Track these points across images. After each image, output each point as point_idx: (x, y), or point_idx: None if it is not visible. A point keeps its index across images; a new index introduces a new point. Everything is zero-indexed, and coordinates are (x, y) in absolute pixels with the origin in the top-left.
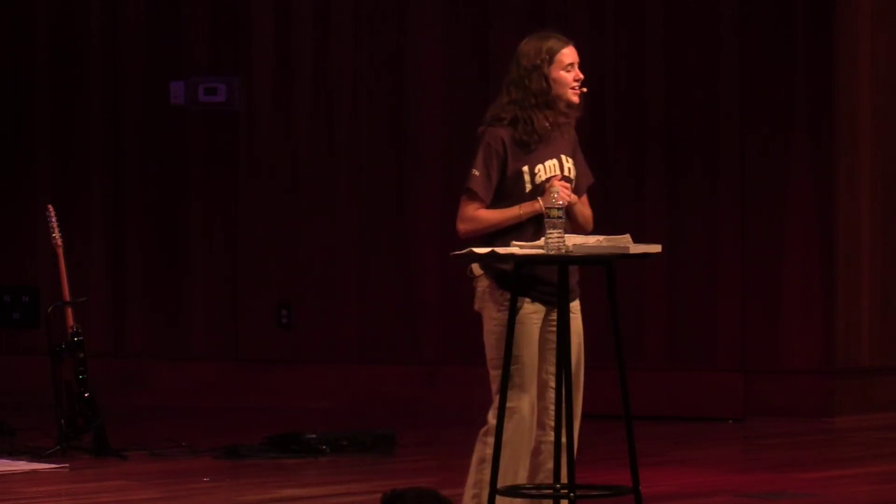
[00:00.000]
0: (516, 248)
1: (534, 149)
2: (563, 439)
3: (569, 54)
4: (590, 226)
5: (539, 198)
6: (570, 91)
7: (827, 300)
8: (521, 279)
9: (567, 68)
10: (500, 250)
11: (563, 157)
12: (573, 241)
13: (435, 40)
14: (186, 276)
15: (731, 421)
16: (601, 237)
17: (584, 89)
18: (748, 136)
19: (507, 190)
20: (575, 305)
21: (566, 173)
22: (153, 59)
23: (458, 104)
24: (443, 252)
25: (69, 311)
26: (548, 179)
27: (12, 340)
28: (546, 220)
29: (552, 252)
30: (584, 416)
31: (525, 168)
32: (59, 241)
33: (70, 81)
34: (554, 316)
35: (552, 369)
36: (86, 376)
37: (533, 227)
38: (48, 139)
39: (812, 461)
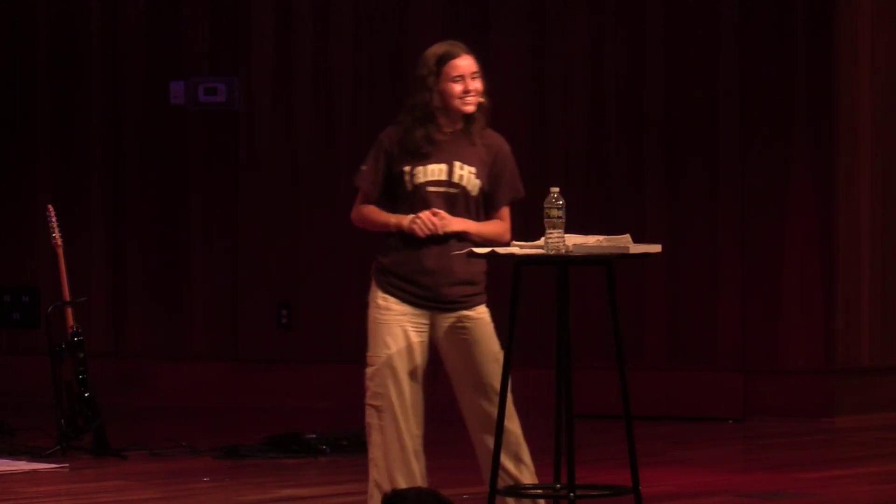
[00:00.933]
0: (516, 248)
1: (424, 153)
2: (564, 440)
3: (459, 66)
4: (504, 239)
5: (414, 216)
6: (459, 102)
7: (827, 300)
8: (388, 277)
9: (455, 80)
10: (500, 250)
11: (456, 163)
12: (573, 241)
13: (435, 40)
14: (186, 276)
15: (731, 421)
16: (601, 237)
17: (481, 100)
18: (748, 136)
19: (392, 189)
20: (481, 310)
21: (455, 179)
22: (153, 59)
23: None
24: None
25: (69, 311)
26: (425, 184)
27: (12, 340)
28: (546, 220)
29: (552, 252)
30: (584, 415)
31: (407, 168)
32: (59, 241)
33: (70, 81)
34: (450, 323)
35: (489, 381)
36: (86, 376)
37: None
38: (48, 139)
39: (812, 461)
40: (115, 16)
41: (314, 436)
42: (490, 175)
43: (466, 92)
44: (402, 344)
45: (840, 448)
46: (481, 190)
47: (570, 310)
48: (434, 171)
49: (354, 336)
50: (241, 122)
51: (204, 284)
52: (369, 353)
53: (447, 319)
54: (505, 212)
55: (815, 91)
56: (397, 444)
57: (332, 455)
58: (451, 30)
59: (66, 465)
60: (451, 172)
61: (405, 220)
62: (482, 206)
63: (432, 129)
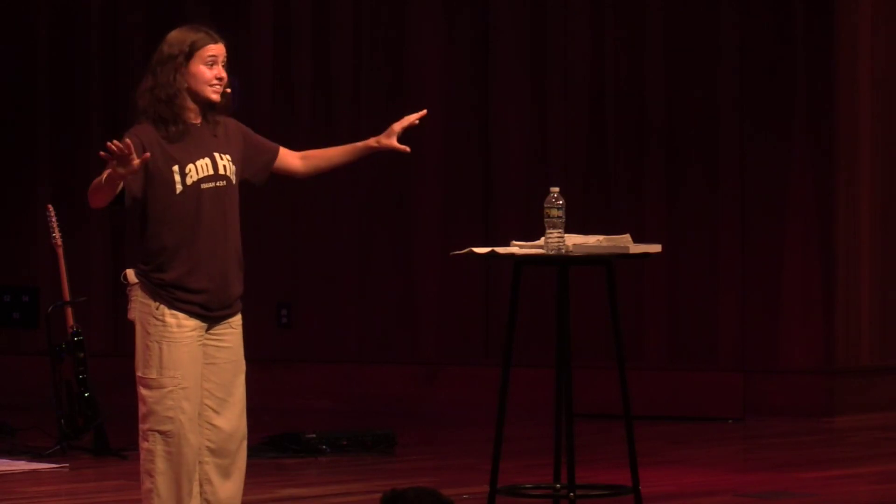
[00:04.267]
0: (516, 248)
1: (181, 145)
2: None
3: (214, 49)
4: (315, 160)
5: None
6: (209, 88)
7: (827, 300)
8: (168, 290)
9: (208, 61)
10: (501, 250)
11: (216, 154)
12: (573, 241)
13: (435, 40)
14: None
15: (731, 421)
16: (601, 237)
17: (228, 90)
18: (748, 137)
19: (155, 190)
20: (236, 321)
21: (221, 171)
22: None
23: (457, 104)
24: (443, 252)
25: (69, 310)
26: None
27: (12, 340)
28: (546, 220)
29: (552, 252)
30: (584, 415)
31: (175, 168)
32: (59, 241)
33: (70, 81)
34: (215, 330)
35: (208, 385)
36: (86, 376)
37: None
38: (48, 139)
39: (812, 461)
40: (115, 16)
41: (314, 436)
42: (253, 148)
43: (219, 78)
44: (199, 365)
45: (840, 448)
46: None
47: (570, 310)
48: (203, 167)
49: (354, 336)
50: (241, 122)
51: None
52: (154, 378)
53: (214, 327)
54: (288, 152)
55: (815, 91)
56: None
57: (332, 455)
58: (451, 29)
59: (66, 465)
60: (215, 165)
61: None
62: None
63: (179, 109)
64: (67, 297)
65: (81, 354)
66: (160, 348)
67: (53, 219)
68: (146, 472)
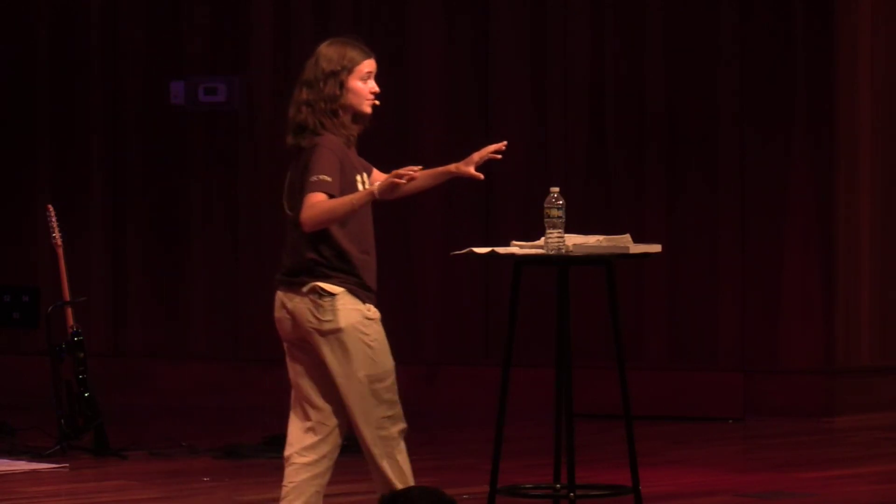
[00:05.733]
0: (516, 248)
1: (352, 153)
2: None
3: (368, 65)
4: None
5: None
6: (367, 102)
7: (827, 300)
8: (368, 291)
9: (364, 76)
10: (501, 250)
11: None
12: (573, 241)
13: (435, 40)
14: (186, 275)
15: (731, 421)
16: (601, 237)
17: (377, 102)
18: (748, 136)
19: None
20: None
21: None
22: (153, 59)
23: (457, 104)
24: (443, 252)
25: (69, 310)
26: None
27: (12, 340)
28: (546, 220)
29: (552, 252)
30: (584, 415)
31: (358, 177)
32: (59, 241)
33: (70, 81)
34: None
35: None
36: (86, 376)
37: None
38: (48, 139)
39: (812, 461)
40: (115, 16)
41: None
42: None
43: (374, 92)
44: None
45: (840, 448)
46: None
47: (570, 310)
48: (362, 181)
49: None
50: (241, 122)
51: (204, 284)
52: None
53: None
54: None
55: (815, 91)
56: None
57: None
58: (452, 29)
59: (66, 465)
60: (362, 182)
61: (373, 186)
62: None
63: (337, 122)
64: (67, 297)
65: (81, 354)
66: (379, 344)
67: (53, 219)
68: (390, 457)
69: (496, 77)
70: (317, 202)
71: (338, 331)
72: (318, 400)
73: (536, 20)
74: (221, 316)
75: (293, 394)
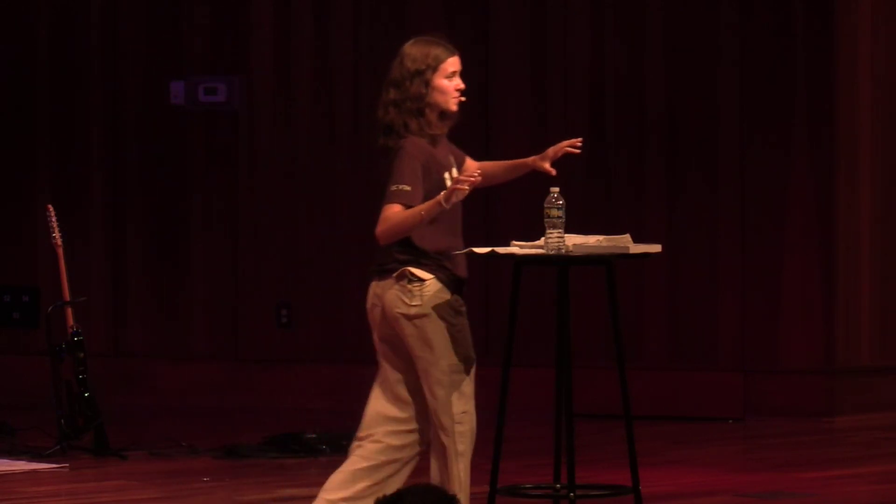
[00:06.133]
0: (516, 248)
1: (438, 150)
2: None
3: (453, 63)
4: (501, 168)
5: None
6: (453, 100)
7: (827, 300)
8: (457, 282)
9: (450, 76)
10: (501, 250)
11: (451, 158)
12: (573, 241)
13: None
14: (186, 275)
15: (731, 421)
16: (601, 237)
17: (464, 98)
18: (748, 136)
19: (434, 196)
20: None
21: (455, 174)
22: (153, 59)
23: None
24: None
25: (69, 310)
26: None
27: (12, 340)
28: (546, 220)
29: (552, 252)
30: (584, 415)
31: (446, 175)
32: (59, 241)
33: (70, 81)
34: None
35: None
36: (86, 376)
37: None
38: (48, 139)
39: (812, 461)
40: (115, 16)
41: (314, 436)
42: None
43: (459, 89)
44: None
45: (840, 448)
46: None
47: (570, 310)
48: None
49: (354, 336)
50: (241, 122)
51: (204, 284)
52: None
53: None
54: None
55: (815, 91)
56: None
57: (332, 455)
58: (451, 30)
59: (66, 465)
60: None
61: (440, 195)
62: None
63: (424, 122)
64: (67, 297)
65: (81, 354)
66: (463, 336)
67: (53, 219)
68: (461, 455)
69: (496, 77)
70: (389, 216)
71: (423, 316)
72: (406, 403)
73: (536, 20)
74: (221, 316)
75: (379, 380)
